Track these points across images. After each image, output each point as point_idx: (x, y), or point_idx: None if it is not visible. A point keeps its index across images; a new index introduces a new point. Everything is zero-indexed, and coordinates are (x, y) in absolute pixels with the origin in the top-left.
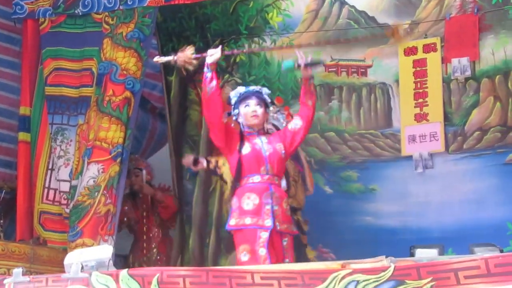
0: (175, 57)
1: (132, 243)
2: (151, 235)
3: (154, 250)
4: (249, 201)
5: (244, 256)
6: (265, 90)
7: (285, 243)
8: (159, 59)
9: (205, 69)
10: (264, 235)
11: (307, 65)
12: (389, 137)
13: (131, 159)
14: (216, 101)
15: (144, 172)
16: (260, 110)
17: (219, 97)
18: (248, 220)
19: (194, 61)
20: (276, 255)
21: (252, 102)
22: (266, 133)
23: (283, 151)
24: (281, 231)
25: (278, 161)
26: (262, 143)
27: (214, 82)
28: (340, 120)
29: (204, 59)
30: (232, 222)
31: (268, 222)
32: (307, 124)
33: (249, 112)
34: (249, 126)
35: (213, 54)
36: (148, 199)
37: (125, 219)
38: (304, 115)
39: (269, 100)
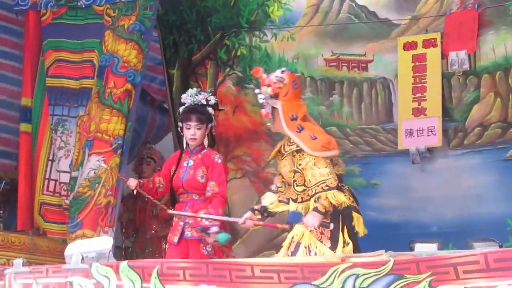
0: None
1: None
2: (147, 227)
3: (148, 242)
4: None
5: None
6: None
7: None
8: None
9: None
10: None
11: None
12: (390, 132)
13: (145, 147)
14: None
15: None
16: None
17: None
18: None
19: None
20: None
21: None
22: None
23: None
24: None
25: None
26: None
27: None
28: (342, 115)
29: None
30: None
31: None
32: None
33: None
34: None
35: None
36: None
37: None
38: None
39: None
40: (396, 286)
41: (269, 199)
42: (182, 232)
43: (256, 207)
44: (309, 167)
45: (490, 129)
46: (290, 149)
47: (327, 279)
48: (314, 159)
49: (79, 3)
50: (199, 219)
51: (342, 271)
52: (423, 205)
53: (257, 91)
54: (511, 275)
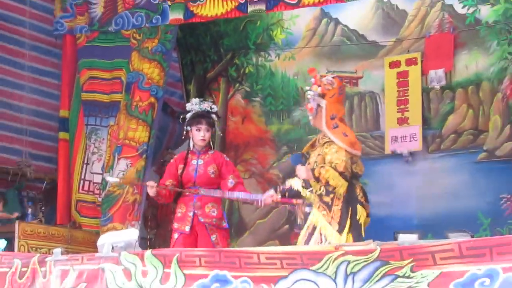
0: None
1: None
2: (168, 222)
3: (169, 234)
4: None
5: None
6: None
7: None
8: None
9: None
10: None
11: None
12: (377, 138)
13: (167, 152)
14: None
15: None
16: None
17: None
18: None
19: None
20: None
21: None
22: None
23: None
24: None
25: None
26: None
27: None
28: None
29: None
30: None
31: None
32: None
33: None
34: None
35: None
36: None
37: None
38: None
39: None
40: (382, 271)
41: (294, 182)
42: (193, 221)
43: (279, 188)
44: (331, 153)
45: (463, 136)
46: (323, 141)
47: (322, 265)
48: (337, 147)
49: (109, 28)
50: (226, 195)
51: (336, 258)
52: (406, 201)
53: (307, 88)
54: (481, 261)
